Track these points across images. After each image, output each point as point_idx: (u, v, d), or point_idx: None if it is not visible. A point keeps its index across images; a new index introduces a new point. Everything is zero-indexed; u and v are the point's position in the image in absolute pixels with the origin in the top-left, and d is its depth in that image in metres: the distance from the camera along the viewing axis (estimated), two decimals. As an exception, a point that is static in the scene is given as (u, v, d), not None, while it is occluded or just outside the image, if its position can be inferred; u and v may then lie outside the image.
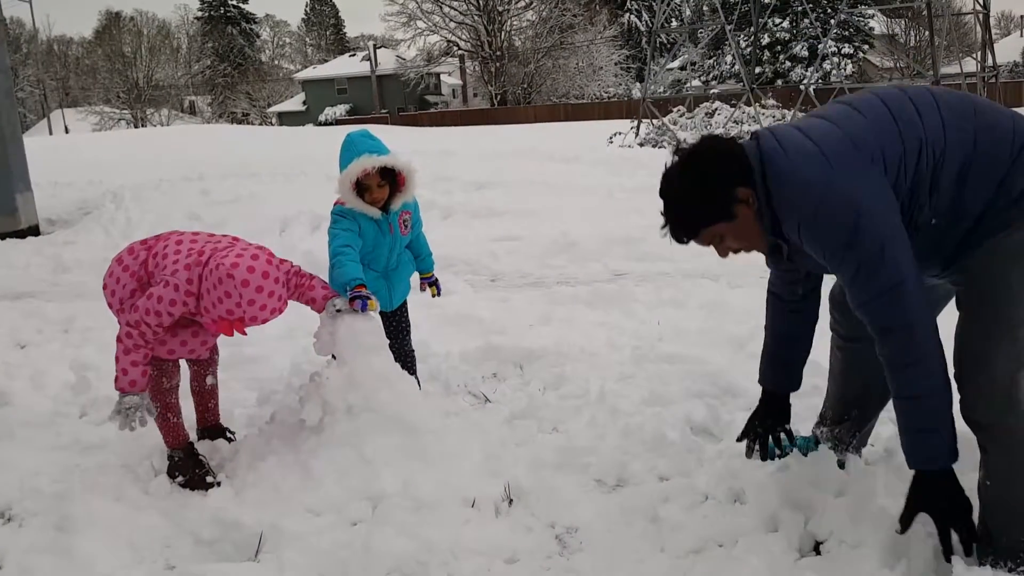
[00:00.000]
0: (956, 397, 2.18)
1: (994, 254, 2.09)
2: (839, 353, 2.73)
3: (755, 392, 3.38)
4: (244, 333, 2.76)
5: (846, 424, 2.77)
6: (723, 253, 2.29)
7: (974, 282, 2.15)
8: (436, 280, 3.74)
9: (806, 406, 3.20)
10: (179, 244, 2.88)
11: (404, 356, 3.52)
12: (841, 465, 2.80)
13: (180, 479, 2.90)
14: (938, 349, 2.09)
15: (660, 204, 2.24)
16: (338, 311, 3.03)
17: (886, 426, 3.00)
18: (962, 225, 2.12)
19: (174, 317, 2.75)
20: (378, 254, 3.39)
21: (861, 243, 2.03)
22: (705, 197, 2.15)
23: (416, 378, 3.54)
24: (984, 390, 2.14)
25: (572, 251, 6.64)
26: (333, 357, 3.10)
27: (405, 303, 3.64)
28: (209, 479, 2.90)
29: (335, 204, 3.30)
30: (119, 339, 2.79)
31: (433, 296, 3.75)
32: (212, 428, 3.24)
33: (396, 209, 3.35)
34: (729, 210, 2.15)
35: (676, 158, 2.22)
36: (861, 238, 2.03)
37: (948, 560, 2.16)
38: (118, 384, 2.79)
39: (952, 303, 2.32)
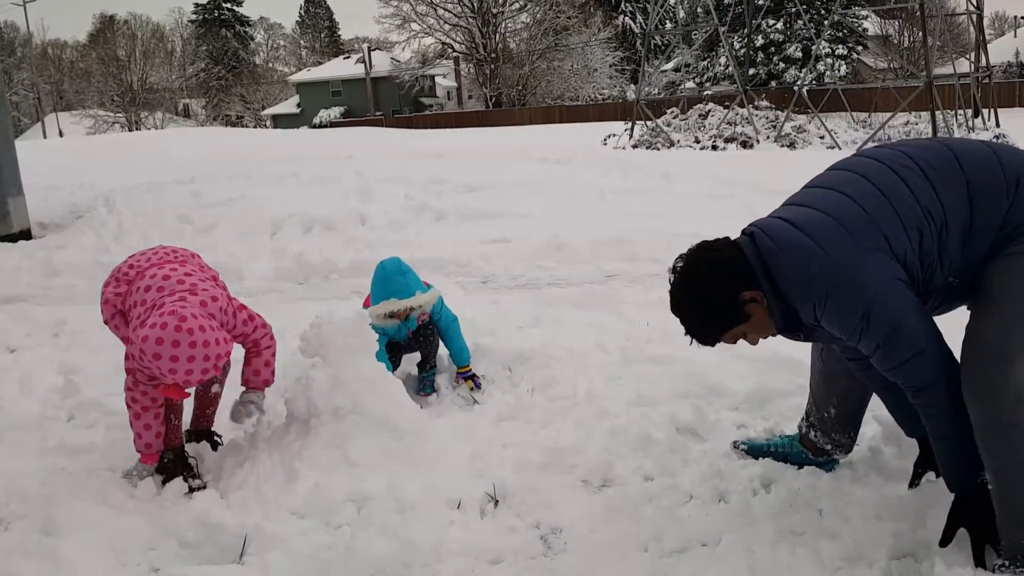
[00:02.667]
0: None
1: (1011, 260, 2.13)
2: (818, 358, 2.76)
3: (741, 392, 3.41)
4: (186, 395, 2.76)
5: (828, 422, 2.79)
6: (752, 343, 2.40)
7: (991, 285, 2.16)
8: (472, 375, 3.85)
9: (791, 406, 3.22)
10: (147, 291, 2.82)
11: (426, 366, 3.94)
12: (827, 466, 2.82)
13: (163, 478, 2.92)
14: (960, 399, 2.15)
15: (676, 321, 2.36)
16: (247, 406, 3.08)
17: (870, 426, 3.01)
18: (974, 269, 2.18)
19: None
20: (398, 339, 3.86)
21: (875, 326, 2.12)
22: (714, 311, 2.27)
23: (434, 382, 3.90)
24: (997, 383, 2.10)
25: (563, 253, 6.65)
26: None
27: (431, 329, 3.87)
28: (197, 482, 2.91)
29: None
30: (127, 403, 2.87)
31: (470, 389, 3.80)
32: (201, 432, 3.24)
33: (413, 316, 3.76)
34: (740, 314, 2.26)
35: (676, 276, 2.30)
36: (874, 321, 2.11)
37: (982, 566, 2.20)
38: (136, 446, 2.91)
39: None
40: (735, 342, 2.37)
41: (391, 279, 3.65)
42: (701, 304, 2.27)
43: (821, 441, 2.81)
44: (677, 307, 2.31)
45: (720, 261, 2.25)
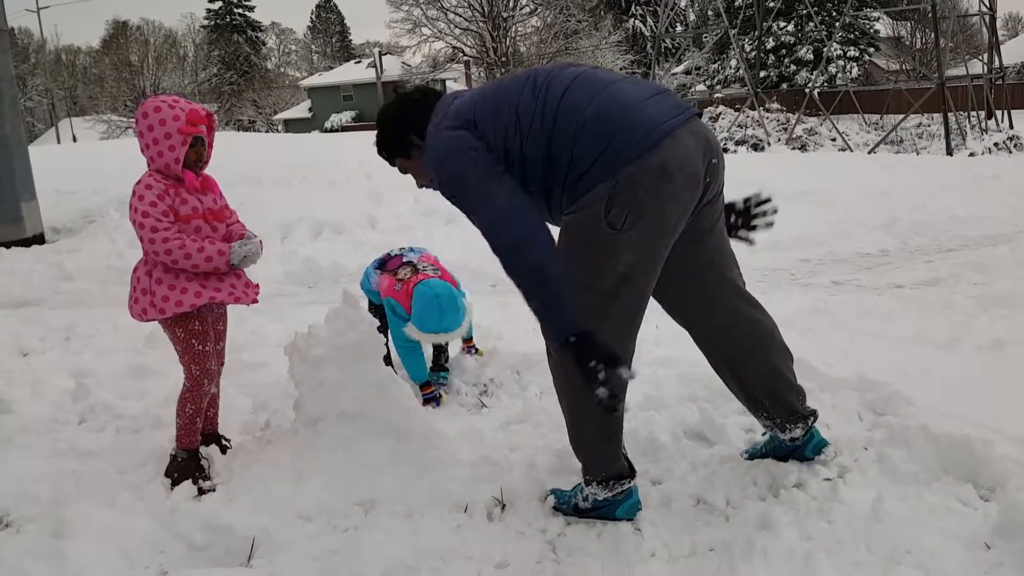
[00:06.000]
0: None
1: (561, 228, 2.43)
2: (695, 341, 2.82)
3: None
4: (202, 119, 2.88)
5: (760, 406, 2.77)
6: (418, 184, 2.73)
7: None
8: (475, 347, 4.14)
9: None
10: None
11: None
12: (806, 448, 2.79)
13: (175, 476, 2.94)
14: (535, 258, 2.31)
15: None
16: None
17: (880, 430, 3.00)
18: (554, 196, 2.41)
19: (163, 207, 2.84)
20: None
21: (448, 184, 2.41)
22: (389, 138, 2.65)
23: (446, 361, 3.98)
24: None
25: (572, 256, 6.63)
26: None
27: None
28: (208, 484, 2.92)
29: (397, 302, 3.69)
30: (169, 250, 2.80)
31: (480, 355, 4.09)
32: (208, 435, 3.25)
33: None
34: (406, 151, 2.62)
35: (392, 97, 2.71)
36: (445, 179, 2.42)
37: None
38: (219, 263, 2.86)
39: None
40: (404, 173, 2.73)
41: (447, 313, 3.59)
42: (384, 127, 2.66)
43: (781, 423, 2.78)
44: (377, 120, 2.72)
45: (410, 102, 2.62)
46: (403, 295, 3.68)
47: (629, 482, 2.63)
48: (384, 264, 3.95)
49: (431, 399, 3.71)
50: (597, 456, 2.61)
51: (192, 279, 2.88)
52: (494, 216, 2.34)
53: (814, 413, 2.82)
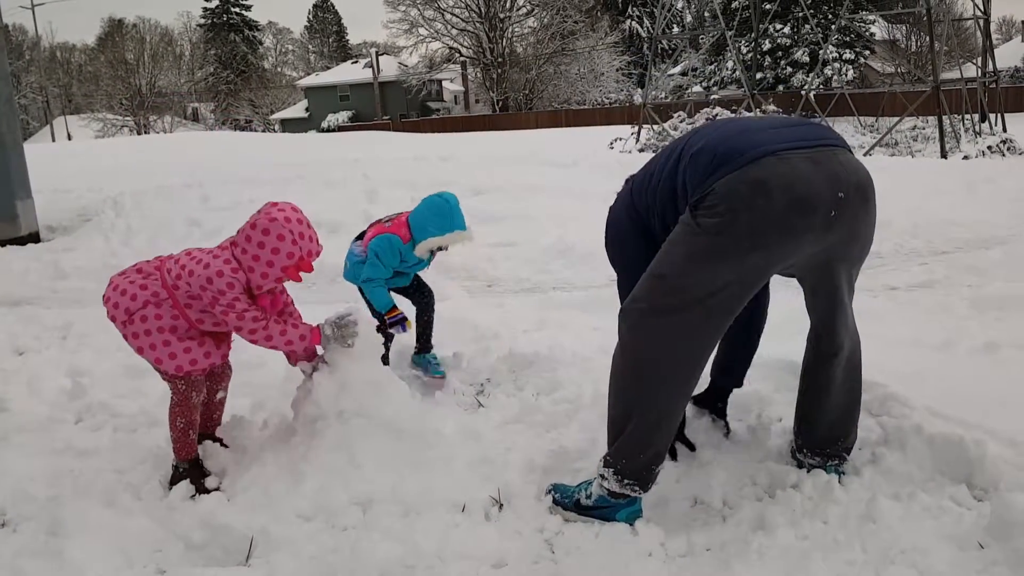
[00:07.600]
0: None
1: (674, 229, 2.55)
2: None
3: (747, 396, 3.41)
4: (311, 269, 2.81)
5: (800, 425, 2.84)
6: None
7: None
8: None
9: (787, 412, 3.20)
10: (188, 254, 2.90)
11: (427, 324, 4.01)
12: (829, 470, 2.81)
13: (170, 480, 2.93)
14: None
15: None
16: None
17: (874, 431, 3.01)
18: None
19: (242, 284, 2.76)
20: (408, 277, 3.93)
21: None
22: None
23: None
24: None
25: (569, 256, 6.65)
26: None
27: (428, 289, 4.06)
28: (212, 485, 2.92)
29: (388, 233, 3.68)
30: (254, 331, 2.81)
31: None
32: (209, 435, 3.25)
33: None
34: None
35: None
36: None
37: None
38: (307, 348, 2.99)
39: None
40: None
41: (458, 212, 3.67)
42: None
43: (807, 459, 2.81)
44: None
45: None
46: (397, 226, 3.73)
47: (640, 492, 2.62)
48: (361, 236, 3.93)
49: (397, 321, 3.71)
50: (630, 444, 2.56)
51: (203, 343, 2.90)
52: (618, 282, 2.93)
53: (840, 458, 2.80)
